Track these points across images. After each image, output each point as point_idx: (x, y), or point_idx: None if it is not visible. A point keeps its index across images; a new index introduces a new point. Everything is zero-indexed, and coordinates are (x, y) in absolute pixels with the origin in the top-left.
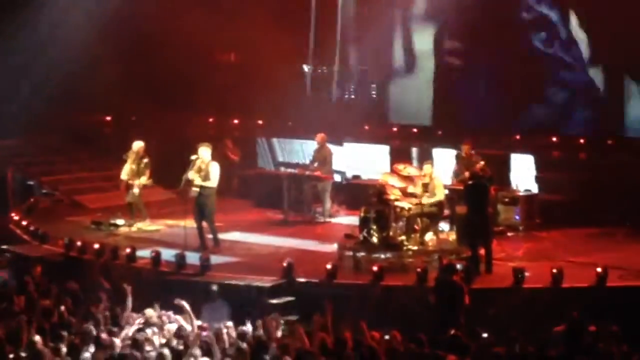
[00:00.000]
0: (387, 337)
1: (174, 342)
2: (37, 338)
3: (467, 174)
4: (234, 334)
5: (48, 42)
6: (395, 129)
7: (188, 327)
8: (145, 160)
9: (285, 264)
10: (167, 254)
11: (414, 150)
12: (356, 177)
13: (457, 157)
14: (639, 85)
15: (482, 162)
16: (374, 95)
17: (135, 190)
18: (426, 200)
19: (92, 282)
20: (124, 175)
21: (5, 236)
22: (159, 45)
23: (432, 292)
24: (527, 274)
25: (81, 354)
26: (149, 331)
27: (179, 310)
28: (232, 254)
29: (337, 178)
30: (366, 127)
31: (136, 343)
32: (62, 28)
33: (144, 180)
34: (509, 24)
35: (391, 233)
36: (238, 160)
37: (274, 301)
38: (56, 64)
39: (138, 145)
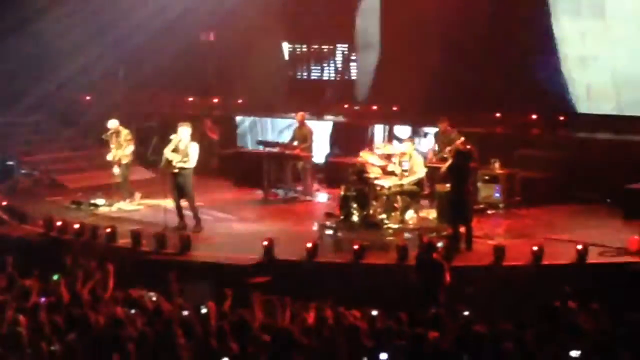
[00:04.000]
0: (367, 315)
1: (155, 322)
2: (19, 318)
3: (448, 150)
4: (214, 313)
5: (32, 18)
6: (375, 108)
7: (168, 306)
8: (126, 131)
9: (265, 243)
10: (147, 234)
11: (396, 128)
12: (336, 155)
13: (436, 134)
14: None
15: (462, 139)
16: (354, 74)
17: (116, 170)
18: (406, 178)
19: (73, 261)
20: (110, 156)
21: None
22: (139, 24)
23: (412, 271)
24: (507, 251)
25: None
26: (130, 311)
27: (159, 289)
28: (213, 233)
29: (321, 158)
30: (345, 106)
31: (118, 323)
32: (46, 5)
33: (129, 150)
34: None
35: (371, 211)
36: (217, 139)
37: (254, 280)
38: (38, 41)
39: (114, 123)
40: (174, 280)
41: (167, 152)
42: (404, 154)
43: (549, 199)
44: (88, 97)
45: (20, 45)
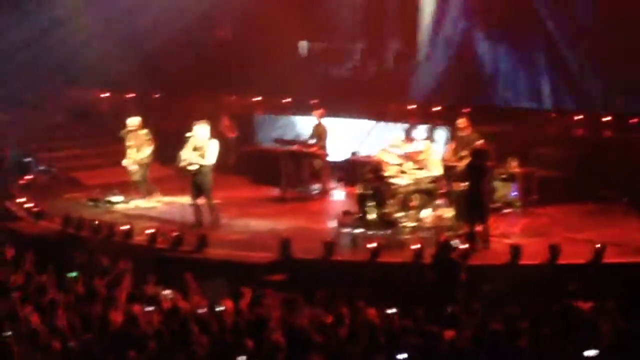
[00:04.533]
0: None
1: (171, 319)
2: (33, 316)
3: (464, 151)
4: (230, 310)
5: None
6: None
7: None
8: (144, 131)
9: (282, 241)
10: (164, 231)
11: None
12: (354, 153)
13: (453, 132)
14: None
15: (482, 141)
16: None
17: (133, 167)
18: (423, 176)
19: (90, 259)
20: (127, 159)
21: (2, 213)
22: (155, 21)
23: (429, 269)
24: (523, 250)
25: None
26: (147, 308)
27: (176, 287)
28: (230, 231)
29: (339, 156)
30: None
31: (134, 320)
32: (60, 6)
33: (147, 152)
34: None
35: (388, 210)
36: (235, 137)
37: (271, 278)
38: (52, 39)
39: (134, 121)
40: (191, 280)
41: (184, 152)
42: (421, 152)
43: (565, 197)
44: (106, 94)
45: (37, 42)
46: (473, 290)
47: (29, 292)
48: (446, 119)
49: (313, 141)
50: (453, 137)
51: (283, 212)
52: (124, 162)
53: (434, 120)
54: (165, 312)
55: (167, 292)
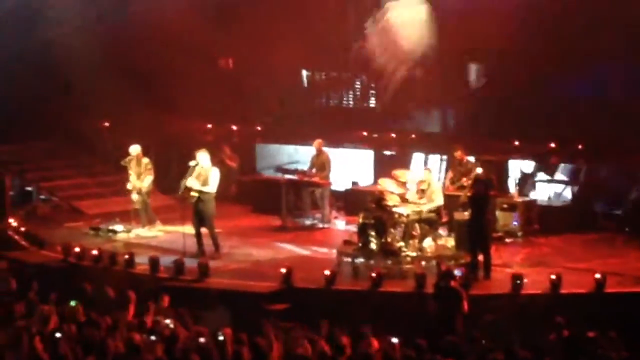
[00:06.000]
0: (386, 343)
1: (172, 348)
2: (38, 344)
3: (463, 180)
4: (232, 340)
5: (45, 45)
6: (393, 135)
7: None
8: (146, 160)
9: (283, 270)
10: (166, 260)
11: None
12: (355, 183)
13: (451, 163)
14: None
15: (481, 170)
16: (373, 102)
17: (135, 196)
18: (425, 206)
19: (93, 288)
20: (130, 185)
21: (4, 242)
22: (157, 51)
23: (430, 299)
24: (525, 280)
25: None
26: (149, 337)
27: (177, 316)
28: (231, 260)
29: (340, 185)
30: (364, 133)
31: (136, 349)
32: (59, 31)
33: (148, 181)
34: None
35: (389, 239)
36: (236, 166)
37: (273, 307)
38: (53, 68)
39: (135, 149)
40: (187, 314)
41: (187, 181)
42: (422, 181)
43: (566, 227)
44: (106, 123)
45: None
46: (474, 320)
47: (33, 321)
48: (444, 147)
49: (313, 170)
50: (450, 166)
51: (284, 242)
52: (128, 186)
53: (431, 149)
54: (166, 341)
55: (167, 321)
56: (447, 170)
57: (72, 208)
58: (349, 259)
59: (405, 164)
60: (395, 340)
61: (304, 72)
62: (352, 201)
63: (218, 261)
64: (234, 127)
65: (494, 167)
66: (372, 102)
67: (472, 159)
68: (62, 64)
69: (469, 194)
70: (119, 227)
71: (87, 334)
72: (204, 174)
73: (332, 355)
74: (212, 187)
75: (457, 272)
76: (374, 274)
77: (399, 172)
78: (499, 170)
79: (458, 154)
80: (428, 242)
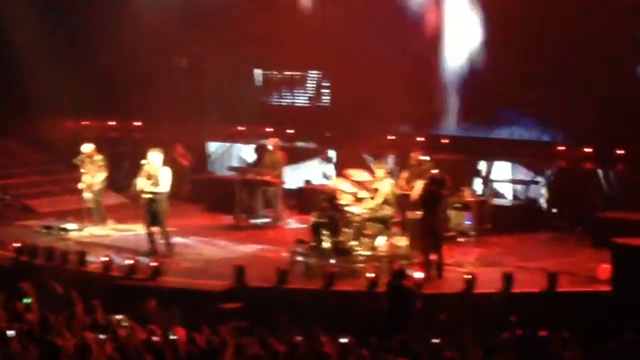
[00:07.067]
0: (338, 342)
1: (124, 347)
2: None
3: (418, 180)
4: (184, 339)
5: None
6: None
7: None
8: (99, 157)
9: (236, 269)
10: (118, 259)
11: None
12: (308, 182)
13: (407, 164)
14: None
15: (436, 171)
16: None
17: (87, 195)
18: (377, 205)
19: (44, 286)
20: (82, 184)
21: None
22: (111, 49)
23: (383, 298)
24: (478, 279)
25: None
26: (100, 336)
27: (130, 315)
28: (184, 259)
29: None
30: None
31: (87, 348)
32: (15, 30)
33: (99, 177)
34: None
35: (342, 238)
36: (189, 165)
37: (226, 306)
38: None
39: (88, 147)
40: (153, 308)
41: (138, 180)
42: (375, 180)
43: (519, 226)
44: (61, 122)
45: None
46: (427, 319)
47: None
48: (397, 147)
49: (267, 169)
50: (405, 166)
51: (237, 240)
52: (80, 185)
53: (385, 150)
54: (118, 340)
55: (119, 317)
56: (402, 170)
57: (24, 206)
58: (302, 258)
59: (359, 163)
60: (346, 339)
61: (259, 71)
62: (305, 200)
63: (170, 260)
64: (187, 126)
65: (459, 167)
66: (326, 100)
67: (427, 158)
68: (16, 62)
69: (420, 193)
70: (71, 226)
71: (39, 332)
72: (155, 174)
73: (285, 354)
74: (165, 186)
75: (409, 272)
76: (326, 273)
77: (352, 171)
78: (462, 170)
79: (415, 155)
80: (381, 241)
